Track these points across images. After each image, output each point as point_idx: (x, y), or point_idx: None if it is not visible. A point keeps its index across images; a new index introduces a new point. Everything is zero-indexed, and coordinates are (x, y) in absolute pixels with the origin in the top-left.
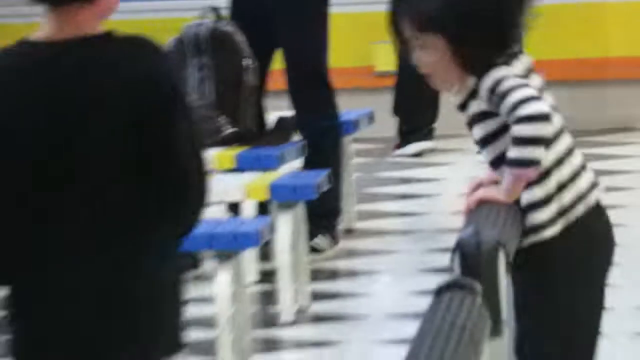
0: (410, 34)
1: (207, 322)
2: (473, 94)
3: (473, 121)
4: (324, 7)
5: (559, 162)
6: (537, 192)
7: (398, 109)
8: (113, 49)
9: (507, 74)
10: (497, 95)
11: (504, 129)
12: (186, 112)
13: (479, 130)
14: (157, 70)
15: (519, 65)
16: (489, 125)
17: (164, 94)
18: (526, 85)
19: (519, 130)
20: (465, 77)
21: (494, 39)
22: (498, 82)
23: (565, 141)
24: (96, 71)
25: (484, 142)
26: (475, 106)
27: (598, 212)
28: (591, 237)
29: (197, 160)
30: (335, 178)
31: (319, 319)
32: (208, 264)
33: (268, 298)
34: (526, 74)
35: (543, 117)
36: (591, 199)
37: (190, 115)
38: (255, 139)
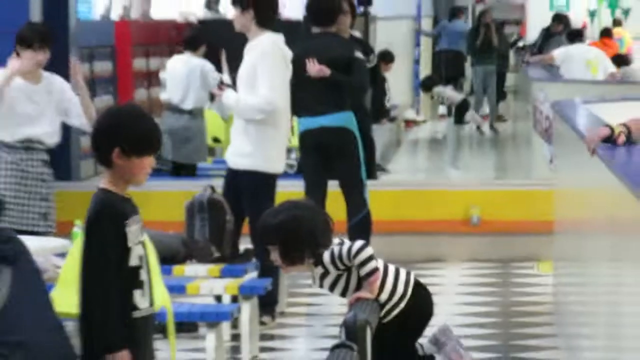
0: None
1: None
2: (324, 272)
3: (325, 282)
4: None
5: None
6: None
7: None
8: None
9: (328, 252)
10: (336, 259)
11: (338, 278)
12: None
13: (327, 283)
14: None
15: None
16: (330, 279)
17: None
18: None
19: (359, 257)
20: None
21: (310, 252)
22: (331, 255)
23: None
24: None
25: (331, 287)
26: (327, 274)
27: (419, 292)
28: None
29: None
30: (275, 281)
31: None
32: (202, 329)
33: (235, 350)
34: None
35: (365, 246)
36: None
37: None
38: (231, 260)
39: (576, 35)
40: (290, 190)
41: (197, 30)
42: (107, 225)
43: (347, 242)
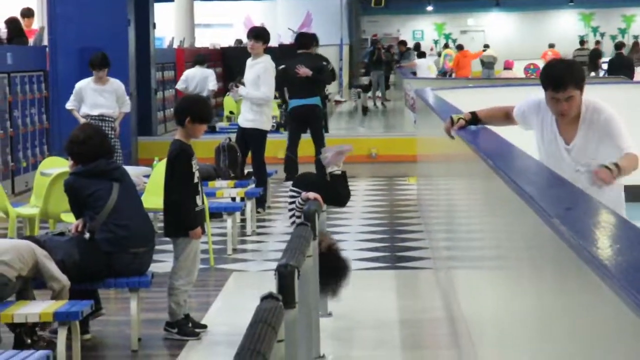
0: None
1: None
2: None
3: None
4: None
5: None
6: None
7: None
8: None
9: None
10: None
11: None
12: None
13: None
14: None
15: None
16: None
17: None
18: None
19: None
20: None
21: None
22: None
23: None
24: None
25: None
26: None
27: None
28: None
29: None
30: (264, 190)
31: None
32: (224, 216)
33: (243, 227)
34: None
35: None
36: None
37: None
38: (240, 178)
39: (423, 54)
40: (273, 139)
41: (205, 54)
42: (184, 159)
43: None
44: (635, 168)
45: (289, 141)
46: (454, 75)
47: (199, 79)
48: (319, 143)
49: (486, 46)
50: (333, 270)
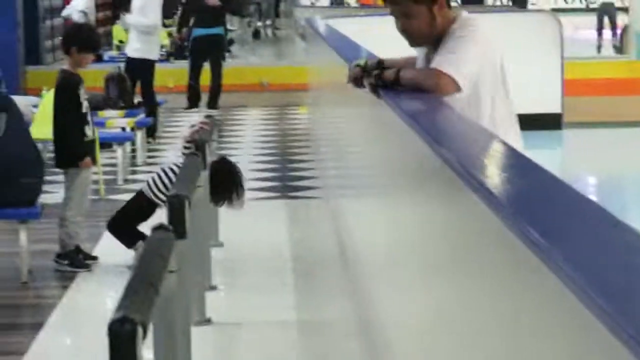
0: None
1: None
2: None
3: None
4: None
5: None
6: None
7: None
8: None
9: None
10: None
11: None
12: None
13: None
14: None
15: None
16: None
17: None
18: None
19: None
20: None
21: None
22: None
23: None
24: None
25: None
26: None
27: None
28: None
29: None
30: (155, 119)
31: None
32: (115, 147)
33: (133, 158)
34: None
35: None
36: None
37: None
38: (129, 107)
39: None
40: (162, 68)
41: None
42: (70, 89)
43: None
44: (423, 86)
45: (191, 70)
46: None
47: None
48: (216, 72)
49: None
50: (227, 176)
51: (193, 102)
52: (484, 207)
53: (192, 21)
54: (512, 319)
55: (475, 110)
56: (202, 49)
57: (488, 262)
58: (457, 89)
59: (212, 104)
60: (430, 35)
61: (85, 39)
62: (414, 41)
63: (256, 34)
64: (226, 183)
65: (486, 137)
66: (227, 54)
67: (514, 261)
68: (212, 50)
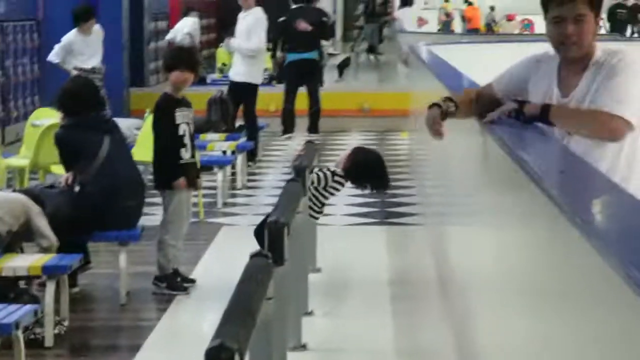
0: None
1: None
2: None
3: None
4: None
5: None
6: None
7: None
8: None
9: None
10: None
11: None
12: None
13: None
14: None
15: None
16: None
17: None
18: None
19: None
20: None
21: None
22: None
23: None
24: None
25: None
26: None
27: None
28: None
29: None
30: (256, 143)
31: None
32: (215, 169)
33: (233, 180)
34: None
35: None
36: None
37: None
38: (231, 131)
39: (408, 1)
40: (264, 92)
41: (194, 4)
42: (167, 110)
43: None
44: (590, 128)
45: (286, 94)
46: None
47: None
48: (314, 97)
49: (491, 8)
50: (371, 163)
51: (287, 126)
52: (587, 244)
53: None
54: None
55: (601, 148)
56: (297, 74)
57: (589, 297)
58: (630, 128)
59: (312, 128)
60: (589, 47)
61: (186, 60)
62: (579, 49)
63: (371, 49)
64: (372, 169)
65: (598, 177)
66: (341, 75)
67: (615, 298)
68: (307, 75)
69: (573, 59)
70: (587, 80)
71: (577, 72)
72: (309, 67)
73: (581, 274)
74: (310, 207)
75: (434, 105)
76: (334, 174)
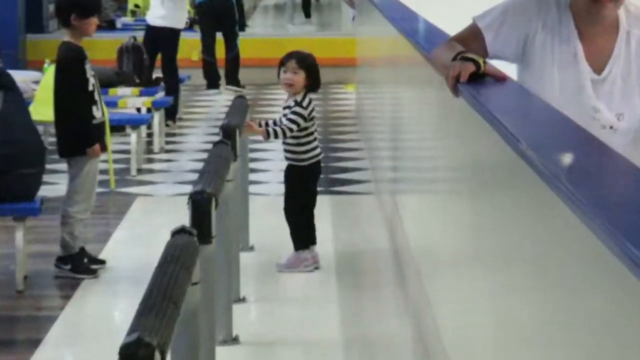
0: None
1: None
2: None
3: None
4: None
5: None
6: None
7: None
8: None
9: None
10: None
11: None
12: None
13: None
14: None
15: None
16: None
17: None
18: None
19: (292, 119)
20: None
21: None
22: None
23: None
24: None
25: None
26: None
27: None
28: None
29: None
30: (176, 98)
31: None
32: (128, 130)
33: (149, 143)
34: None
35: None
36: None
37: None
38: (146, 84)
39: None
40: (186, 38)
41: None
42: (74, 64)
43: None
44: None
45: (203, 42)
46: None
47: None
48: (229, 41)
49: None
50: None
51: (211, 81)
52: (570, 212)
53: None
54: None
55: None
56: (210, 16)
57: (571, 267)
58: None
59: (230, 79)
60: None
61: (82, 2)
62: (616, 4)
63: (306, 5)
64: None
65: (577, 133)
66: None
67: (595, 265)
68: (221, 17)
69: (604, 18)
70: (620, 52)
71: (603, 39)
72: (223, 7)
73: (562, 244)
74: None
75: (465, 58)
76: (294, 112)
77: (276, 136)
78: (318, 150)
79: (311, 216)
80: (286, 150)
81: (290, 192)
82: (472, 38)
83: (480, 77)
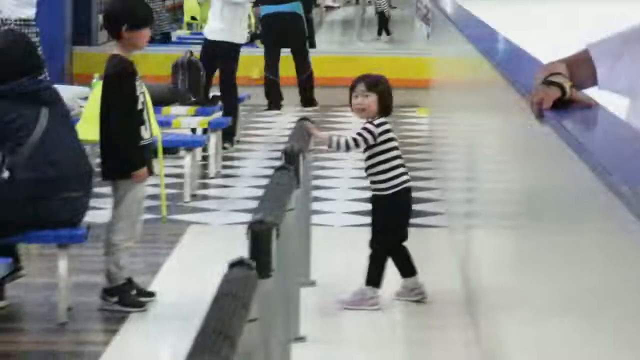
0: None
1: None
2: None
3: None
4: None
5: None
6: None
7: None
8: None
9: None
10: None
11: None
12: None
13: None
14: None
15: None
16: None
17: None
18: None
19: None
20: None
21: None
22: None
23: None
24: None
25: None
26: None
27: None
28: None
29: None
30: (234, 119)
31: None
32: (182, 152)
33: (204, 167)
34: None
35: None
36: None
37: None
38: (203, 103)
39: None
40: (245, 54)
41: None
42: (124, 79)
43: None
44: None
45: (267, 59)
46: None
47: None
48: (301, 61)
49: None
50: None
51: (272, 100)
52: None
53: None
54: None
55: None
56: (274, 32)
57: None
58: None
59: (306, 100)
60: None
61: (133, 12)
62: None
63: (382, 22)
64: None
65: None
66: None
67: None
68: (288, 33)
69: None
70: None
71: None
72: (289, 23)
73: None
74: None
75: (552, 83)
76: (363, 127)
77: (339, 147)
78: (403, 178)
79: (397, 251)
80: (370, 181)
81: (374, 223)
82: (580, 62)
83: (565, 104)
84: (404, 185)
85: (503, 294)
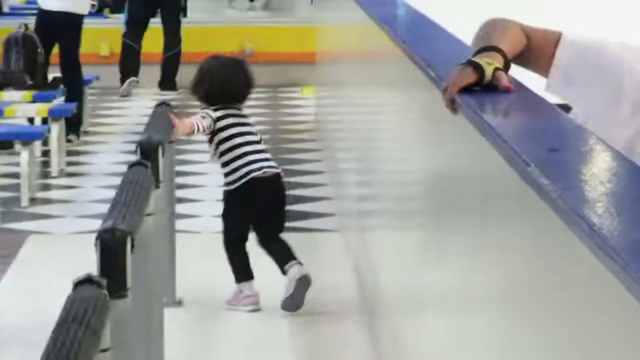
0: None
1: None
2: None
3: None
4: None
5: None
6: None
7: None
8: None
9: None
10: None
11: None
12: None
13: None
14: None
15: None
16: None
17: None
18: None
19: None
20: None
21: None
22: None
23: None
24: None
25: None
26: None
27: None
28: None
29: None
30: (80, 105)
31: None
32: (17, 146)
33: (45, 164)
34: None
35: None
36: None
37: None
38: (41, 87)
39: None
40: (92, 26)
41: None
42: None
43: None
44: None
45: (129, 25)
46: None
47: None
48: (171, 34)
49: None
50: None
51: (129, 70)
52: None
53: None
54: None
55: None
56: None
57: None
58: None
59: (166, 83)
60: None
61: None
62: None
63: None
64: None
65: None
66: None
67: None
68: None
69: None
70: None
71: None
72: None
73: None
74: None
75: (471, 64)
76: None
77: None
78: (245, 170)
79: (233, 252)
80: None
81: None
82: (547, 43)
83: (485, 88)
84: (248, 177)
85: (405, 298)
